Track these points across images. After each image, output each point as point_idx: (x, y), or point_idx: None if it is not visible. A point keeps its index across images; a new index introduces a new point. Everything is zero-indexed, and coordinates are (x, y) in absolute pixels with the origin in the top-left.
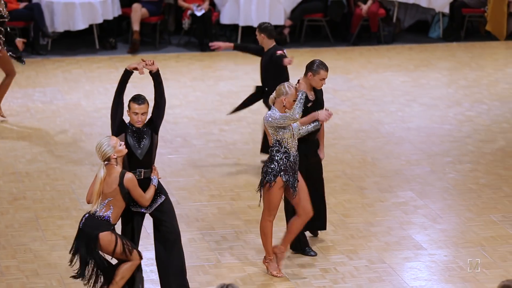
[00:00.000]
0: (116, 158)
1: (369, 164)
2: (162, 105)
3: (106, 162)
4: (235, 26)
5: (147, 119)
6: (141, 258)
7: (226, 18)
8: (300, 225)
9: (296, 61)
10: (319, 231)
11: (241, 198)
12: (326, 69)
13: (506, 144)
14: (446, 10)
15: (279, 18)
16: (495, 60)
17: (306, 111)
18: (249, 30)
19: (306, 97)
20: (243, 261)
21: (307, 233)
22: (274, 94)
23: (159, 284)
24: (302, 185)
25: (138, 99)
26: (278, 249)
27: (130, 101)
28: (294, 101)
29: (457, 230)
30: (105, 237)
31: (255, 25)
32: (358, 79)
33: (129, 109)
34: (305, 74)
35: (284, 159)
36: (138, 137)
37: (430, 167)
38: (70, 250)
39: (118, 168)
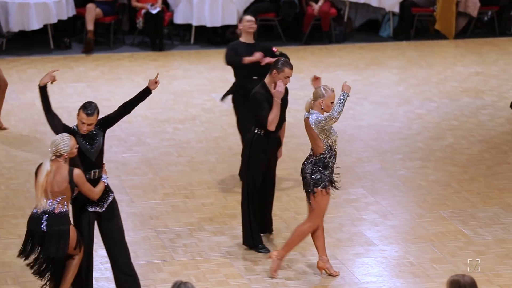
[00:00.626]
0: (66, 158)
1: None
2: (127, 111)
3: (54, 158)
4: (189, 26)
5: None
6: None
7: (179, 18)
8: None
9: None
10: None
11: (194, 196)
12: (291, 67)
13: (454, 141)
14: (396, 9)
15: (232, 18)
16: (444, 58)
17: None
18: (202, 30)
19: (271, 94)
20: (196, 259)
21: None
22: (311, 97)
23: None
24: None
25: (88, 108)
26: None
27: (81, 108)
28: (332, 103)
29: (407, 226)
30: (72, 229)
31: (208, 24)
32: (310, 78)
33: (78, 114)
34: (270, 72)
35: (334, 163)
36: (89, 139)
37: (381, 164)
38: (36, 256)
39: (66, 166)
